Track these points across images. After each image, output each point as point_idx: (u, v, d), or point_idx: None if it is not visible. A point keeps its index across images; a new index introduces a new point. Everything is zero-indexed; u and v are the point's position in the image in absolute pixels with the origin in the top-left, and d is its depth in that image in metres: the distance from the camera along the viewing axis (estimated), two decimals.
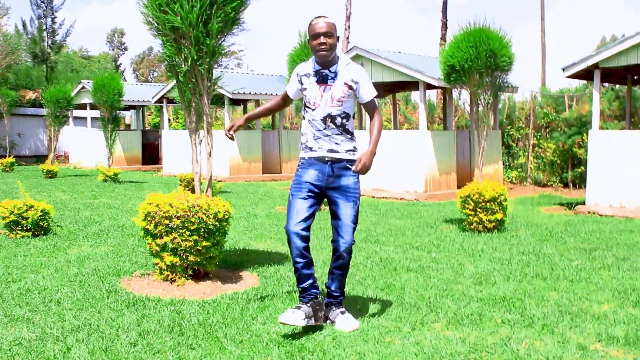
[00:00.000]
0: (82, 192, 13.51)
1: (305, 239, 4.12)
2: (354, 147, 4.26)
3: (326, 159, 4.18)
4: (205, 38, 5.10)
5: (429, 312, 4.52)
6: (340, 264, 4.21)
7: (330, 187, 4.20)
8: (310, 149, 4.22)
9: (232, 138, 4.53)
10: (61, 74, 33.19)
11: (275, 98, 4.69)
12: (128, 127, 32.03)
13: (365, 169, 4.11)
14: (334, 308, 4.25)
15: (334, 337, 3.96)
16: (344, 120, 4.19)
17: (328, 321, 4.23)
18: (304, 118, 4.30)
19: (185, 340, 3.90)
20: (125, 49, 67.28)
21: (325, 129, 4.17)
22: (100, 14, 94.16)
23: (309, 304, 4.11)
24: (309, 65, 4.28)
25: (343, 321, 4.15)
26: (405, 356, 3.64)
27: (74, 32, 62.52)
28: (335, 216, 4.21)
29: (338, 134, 4.18)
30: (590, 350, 3.75)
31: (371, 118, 4.27)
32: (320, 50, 4.09)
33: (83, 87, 23.00)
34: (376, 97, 4.29)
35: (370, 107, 4.27)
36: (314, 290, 4.16)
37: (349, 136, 4.23)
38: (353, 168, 4.15)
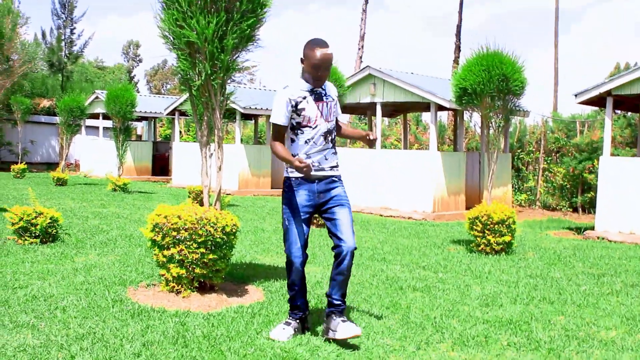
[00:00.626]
0: (92, 200, 13.58)
1: (305, 262, 4.31)
2: (337, 162, 4.42)
3: (312, 177, 4.24)
4: (220, 53, 5.15)
5: (434, 332, 4.50)
6: (343, 269, 4.18)
7: (322, 202, 4.29)
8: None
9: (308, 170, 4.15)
10: (76, 83, 33.49)
11: (278, 144, 4.29)
12: (139, 137, 32.23)
13: (374, 141, 4.39)
14: (335, 317, 4.19)
15: (338, 355, 3.95)
16: (333, 135, 4.39)
17: (330, 332, 4.17)
18: (294, 141, 4.29)
19: (189, 353, 3.90)
20: (140, 60, 67.85)
21: (324, 144, 4.30)
22: (118, 26, 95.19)
23: (298, 320, 4.34)
24: (299, 87, 4.28)
25: (344, 328, 4.09)
26: None
27: (90, 43, 63.21)
28: (334, 224, 4.24)
29: (330, 148, 4.34)
30: None
31: (341, 129, 4.59)
32: (319, 80, 4.24)
33: (97, 97, 23.20)
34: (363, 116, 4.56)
35: (342, 120, 4.62)
36: (305, 308, 4.39)
37: (335, 149, 4.42)
38: (371, 136, 4.35)
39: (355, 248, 4.23)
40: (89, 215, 10.83)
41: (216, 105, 5.35)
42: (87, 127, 25.02)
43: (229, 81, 5.45)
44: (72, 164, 27.99)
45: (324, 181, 4.29)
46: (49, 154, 28.91)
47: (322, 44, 4.18)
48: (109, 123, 26.04)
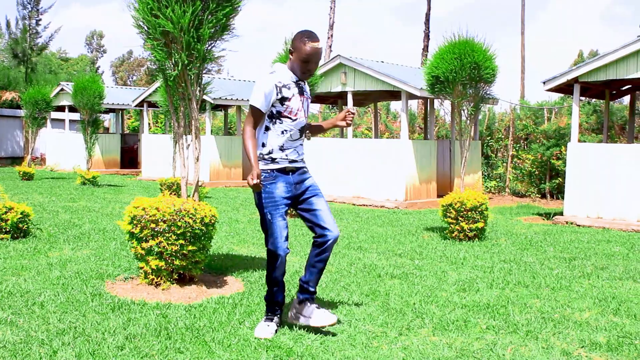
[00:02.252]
0: (61, 195, 13.37)
1: (287, 255, 4.27)
2: (304, 152, 4.47)
3: (287, 169, 4.24)
4: (196, 43, 5.12)
5: (414, 318, 4.57)
6: (326, 257, 4.22)
7: (299, 192, 4.28)
8: (273, 160, 4.18)
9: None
10: (40, 75, 32.82)
11: (250, 133, 4.14)
12: (107, 130, 31.78)
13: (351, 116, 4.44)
14: (309, 304, 4.21)
15: (322, 342, 3.98)
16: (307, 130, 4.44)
17: (301, 318, 4.17)
18: (268, 129, 4.18)
19: (173, 344, 3.89)
20: (104, 51, 66.85)
21: (299, 138, 4.31)
22: (81, 16, 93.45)
23: (279, 315, 4.30)
24: (286, 75, 4.23)
25: (320, 315, 4.13)
26: None
27: (56, 35, 62.03)
28: (314, 214, 4.22)
29: (302, 145, 4.37)
30: (574, 355, 3.83)
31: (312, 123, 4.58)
32: (307, 73, 4.24)
33: (62, 89, 22.78)
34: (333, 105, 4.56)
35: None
36: (283, 301, 4.36)
37: (303, 144, 4.45)
38: (348, 119, 4.45)
39: (339, 235, 4.26)
40: (59, 209, 10.67)
41: (192, 95, 5.31)
42: (52, 120, 24.56)
43: (205, 71, 5.41)
44: (37, 158, 27.47)
45: (298, 172, 4.29)
46: (14, 148, 28.31)
47: (313, 37, 4.13)
48: (75, 116, 25.63)
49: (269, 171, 4.18)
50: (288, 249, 4.20)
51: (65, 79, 30.93)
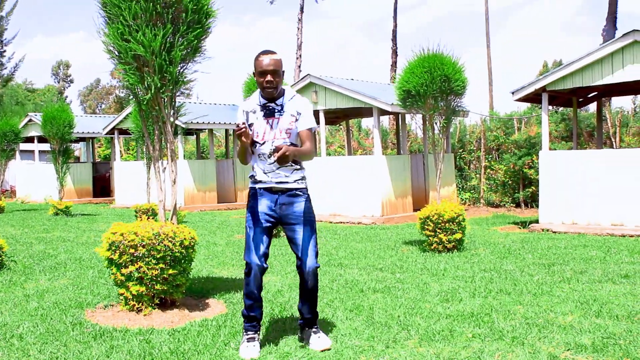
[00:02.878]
0: (33, 226, 13.14)
1: (264, 270, 4.21)
2: (303, 176, 4.29)
3: (274, 189, 4.21)
4: (168, 66, 5.10)
5: (400, 330, 4.56)
6: (307, 288, 4.24)
7: (284, 214, 4.22)
8: (260, 181, 4.24)
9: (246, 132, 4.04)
10: (6, 106, 32.37)
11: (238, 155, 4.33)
12: (77, 159, 31.41)
13: (282, 155, 3.87)
14: (307, 329, 4.31)
15: (309, 359, 3.94)
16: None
17: (304, 341, 4.28)
18: (253, 153, 4.25)
19: None
20: (71, 81, 66.22)
21: (274, 163, 4.17)
22: (45, 47, 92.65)
23: (258, 331, 4.25)
24: (253, 101, 4.27)
25: (315, 340, 4.20)
26: None
27: (21, 65, 61.28)
28: (294, 242, 4.22)
29: (287, 166, 4.18)
30: (561, 358, 3.85)
31: (304, 144, 4.21)
32: (267, 87, 4.13)
33: (30, 120, 22.49)
34: (311, 129, 4.22)
35: (303, 135, 4.22)
36: (260, 317, 4.29)
37: (298, 167, 4.25)
38: (273, 157, 4.09)
39: (318, 266, 4.23)
40: (33, 240, 10.48)
41: (167, 118, 5.29)
42: (21, 151, 24.20)
43: (177, 94, 5.40)
44: (7, 190, 26.99)
45: (287, 194, 4.21)
46: None
47: (266, 51, 4.17)
48: (45, 146, 25.29)
49: (255, 188, 4.24)
50: (263, 263, 4.14)
51: (32, 110, 30.52)
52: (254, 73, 4.21)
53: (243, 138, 4.00)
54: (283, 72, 4.21)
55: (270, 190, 4.21)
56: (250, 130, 4.20)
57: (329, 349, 4.11)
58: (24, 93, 47.31)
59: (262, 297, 4.34)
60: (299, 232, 4.19)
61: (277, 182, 4.20)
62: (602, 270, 6.77)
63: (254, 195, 4.25)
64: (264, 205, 4.20)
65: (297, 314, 4.67)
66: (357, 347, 4.19)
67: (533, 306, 5.21)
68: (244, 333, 4.22)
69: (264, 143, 4.18)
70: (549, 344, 4.16)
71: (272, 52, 4.17)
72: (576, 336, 4.30)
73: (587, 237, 9.65)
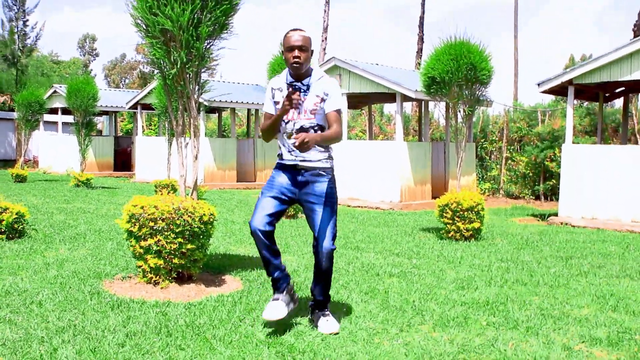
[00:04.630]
0: (54, 196, 13.31)
1: (268, 233, 4.12)
2: (329, 155, 4.24)
3: (298, 167, 4.20)
4: (195, 41, 5.11)
5: (414, 315, 4.57)
6: (321, 270, 4.24)
7: (304, 194, 4.21)
8: (285, 159, 4.25)
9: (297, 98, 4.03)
10: (31, 77, 32.66)
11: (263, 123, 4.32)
12: (100, 133, 31.70)
13: (302, 143, 3.79)
14: (317, 311, 4.31)
15: (323, 339, 3.98)
16: (319, 132, 4.16)
17: (314, 323, 4.27)
18: (279, 131, 4.26)
19: (174, 341, 3.88)
20: (97, 55, 66.65)
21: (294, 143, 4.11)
22: (72, 20, 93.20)
23: (284, 292, 4.19)
24: (281, 79, 4.27)
25: (324, 324, 4.18)
26: (395, 356, 3.68)
27: (44, 36, 61.71)
28: (312, 222, 4.21)
29: (317, 147, 4.14)
30: (575, 350, 3.84)
31: (331, 127, 4.16)
32: (294, 63, 4.09)
33: (55, 92, 22.70)
34: (338, 111, 4.17)
35: (330, 117, 4.16)
36: (286, 278, 4.24)
37: (323, 148, 4.21)
38: (293, 140, 4.06)
39: (333, 248, 4.19)
40: (54, 210, 10.62)
41: (191, 93, 5.31)
42: (45, 122, 24.46)
43: (203, 70, 5.41)
44: (30, 160, 27.34)
45: (310, 172, 4.19)
46: (6, 150, 28.18)
47: (295, 28, 4.18)
48: (68, 118, 25.53)
49: (280, 163, 4.28)
50: (263, 226, 4.05)
51: (57, 82, 30.81)
52: (282, 51, 4.21)
53: (287, 102, 3.96)
54: (312, 50, 4.18)
55: (294, 167, 4.21)
56: (276, 107, 4.22)
57: (336, 333, 4.10)
58: (50, 65, 47.71)
59: (281, 263, 4.23)
60: (318, 213, 4.17)
61: (301, 160, 4.19)
62: (620, 265, 6.71)
63: (276, 169, 4.30)
64: (283, 178, 4.22)
65: (308, 295, 4.70)
66: (371, 329, 4.21)
67: (549, 298, 5.19)
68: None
69: (288, 122, 4.18)
70: (564, 335, 4.15)
71: (301, 30, 4.16)
72: (591, 329, 4.28)
73: (607, 232, 9.56)
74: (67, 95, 15.87)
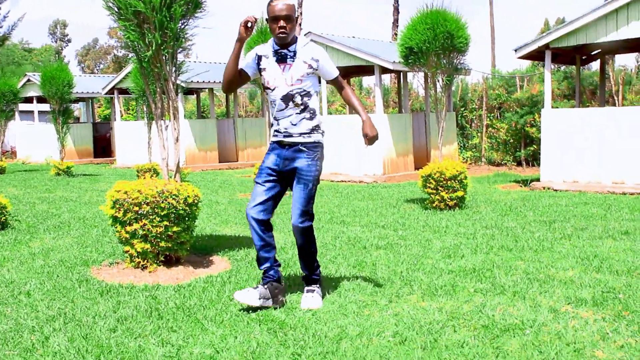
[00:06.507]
0: (35, 186, 13.17)
1: (263, 222, 4.16)
2: (313, 126, 4.21)
3: (284, 143, 4.22)
4: (169, 22, 5.05)
5: (403, 286, 4.61)
6: (298, 245, 4.32)
7: (285, 169, 4.23)
8: (276, 131, 4.26)
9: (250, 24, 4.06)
10: (3, 66, 32.09)
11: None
12: (77, 120, 31.31)
13: (373, 138, 4.15)
14: (305, 285, 4.39)
15: (313, 313, 4.01)
16: (305, 99, 4.17)
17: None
18: (267, 101, 4.33)
19: (165, 324, 3.89)
20: (69, 41, 65.64)
21: (285, 108, 4.17)
22: (42, 6, 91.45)
23: (266, 286, 4.16)
24: (267, 47, 4.26)
25: (304, 299, 4.24)
26: (386, 327, 3.72)
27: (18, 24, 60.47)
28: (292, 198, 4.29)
29: (298, 113, 4.16)
30: (562, 312, 3.91)
31: (343, 90, 4.33)
32: (280, 33, 4.09)
33: (29, 80, 22.35)
34: (339, 75, 4.33)
35: (339, 82, 4.33)
36: (272, 273, 4.22)
37: (310, 114, 4.20)
38: (365, 143, 4.20)
39: (303, 226, 4.17)
40: (36, 200, 10.53)
41: (169, 75, 5.25)
42: (20, 112, 24.10)
43: (179, 51, 5.35)
44: (7, 151, 26.98)
45: (292, 148, 4.20)
46: None
47: None
48: (44, 107, 25.18)
49: (271, 142, 4.30)
50: (256, 215, 4.12)
51: (30, 70, 30.30)
52: (267, 19, 4.16)
53: (243, 28, 4.00)
54: (296, 18, 4.17)
55: (280, 144, 4.24)
56: (262, 76, 4.23)
57: (317, 309, 4.09)
58: (21, 53, 46.90)
59: (274, 258, 4.23)
60: (295, 189, 4.23)
61: (285, 135, 4.20)
62: (602, 227, 6.82)
63: (268, 150, 4.33)
64: (270, 159, 4.25)
65: (300, 271, 4.73)
66: (361, 301, 4.25)
67: (534, 262, 5.27)
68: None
69: (274, 89, 4.18)
70: (550, 298, 4.21)
71: None
72: (576, 290, 4.36)
73: (588, 195, 9.68)
74: (42, 83, 15.61)
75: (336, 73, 4.30)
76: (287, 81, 4.16)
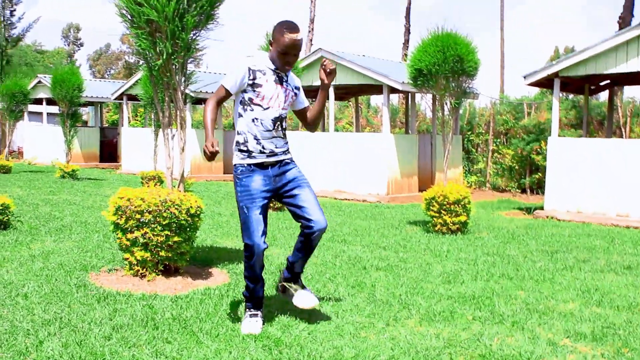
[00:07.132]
0: (40, 188, 13.20)
1: (265, 250, 4.09)
2: (287, 148, 4.27)
3: (266, 163, 4.11)
4: (180, 32, 5.07)
5: (401, 309, 4.58)
6: (311, 246, 4.19)
7: (279, 185, 4.15)
8: (250, 153, 4.08)
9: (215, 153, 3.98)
10: (15, 67, 32.30)
11: (212, 107, 4.09)
12: (85, 123, 31.43)
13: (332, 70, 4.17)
14: (292, 283, 4.33)
15: (309, 332, 3.98)
16: (285, 123, 4.23)
17: (288, 294, 4.33)
18: (241, 116, 4.10)
19: (161, 335, 3.86)
20: (81, 44, 66.12)
21: (273, 129, 4.10)
22: (56, 9, 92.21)
23: (262, 309, 4.18)
24: (262, 62, 4.12)
25: (302, 296, 4.19)
26: (382, 351, 3.69)
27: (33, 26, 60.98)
28: (299, 206, 4.11)
29: (281, 137, 4.17)
30: (560, 345, 3.87)
31: (308, 111, 4.41)
32: (287, 66, 4.09)
33: (39, 82, 22.48)
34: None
35: (306, 110, 4.41)
36: (263, 294, 4.23)
37: (286, 139, 4.25)
38: (327, 68, 4.16)
39: (326, 226, 4.17)
40: (39, 202, 10.54)
41: (177, 85, 5.27)
42: (29, 113, 24.21)
43: (190, 61, 5.37)
44: (15, 151, 27.07)
45: (277, 165, 4.14)
46: None
47: (292, 28, 4.00)
48: (53, 109, 25.28)
49: (245, 165, 4.08)
50: (265, 243, 4.02)
51: (41, 72, 30.52)
52: (271, 42, 4.10)
53: (208, 157, 3.95)
54: None
55: (261, 165, 4.09)
56: (254, 90, 4.05)
57: (314, 307, 4.18)
58: (33, 54, 47.21)
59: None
60: (301, 195, 4.13)
61: (267, 155, 4.09)
62: (605, 260, 6.77)
63: (242, 174, 4.08)
64: (258, 181, 4.06)
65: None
66: (358, 323, 4.22)
67: (534, 292, 5.23)
68: (247, 309, 4.13)
69: (267, 108, 4.08)
70: (549, 330, 4.18)
71: (298, 30, 4.03)
72: (576, 324, 4.32)
73: (592, 226, 9.64)
74: (52, 86, 15.71)
75: (307, 103, 4.41)
76: (280, 104, 4.13)
